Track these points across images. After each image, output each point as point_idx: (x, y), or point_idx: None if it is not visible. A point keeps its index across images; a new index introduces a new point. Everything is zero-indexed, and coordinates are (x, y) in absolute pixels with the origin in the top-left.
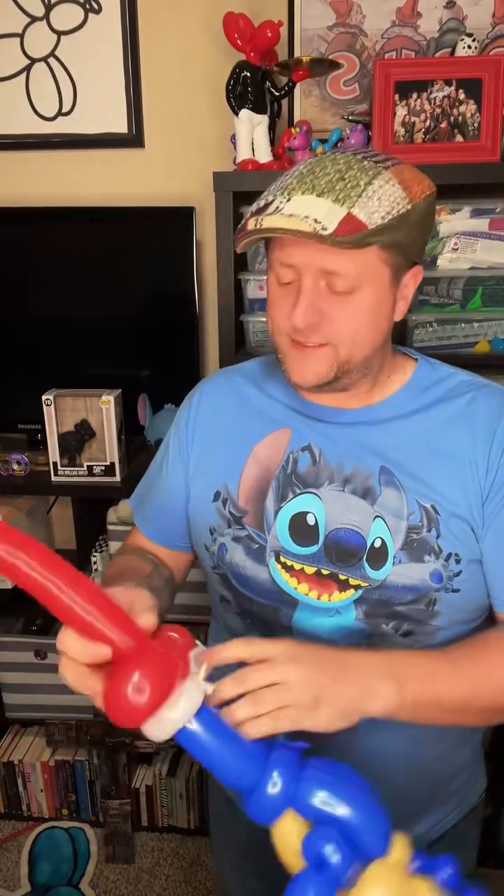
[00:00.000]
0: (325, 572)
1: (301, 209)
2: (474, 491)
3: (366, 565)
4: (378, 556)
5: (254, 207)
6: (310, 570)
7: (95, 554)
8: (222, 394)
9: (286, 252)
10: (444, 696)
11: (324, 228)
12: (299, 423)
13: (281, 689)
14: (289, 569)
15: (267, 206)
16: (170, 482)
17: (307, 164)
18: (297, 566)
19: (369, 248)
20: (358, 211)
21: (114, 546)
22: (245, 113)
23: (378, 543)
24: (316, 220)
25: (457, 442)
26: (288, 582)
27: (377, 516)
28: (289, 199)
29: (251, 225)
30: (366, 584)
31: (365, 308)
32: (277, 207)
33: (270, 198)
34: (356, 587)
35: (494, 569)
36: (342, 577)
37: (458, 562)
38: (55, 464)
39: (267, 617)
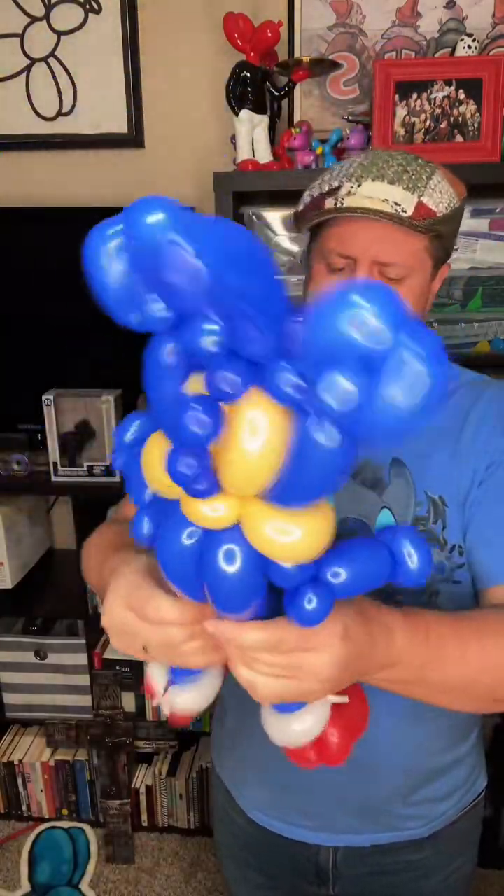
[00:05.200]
0: None
1: (377, 192)
2: (476, 481)
3: None
4: None
5: (315, 192)
6: None
7: None
8: None
9: (345, 243)
10: (442, 680)
11: (403, 211)
12: None
13: (312, 662)
14: None
15: (334, 190)
16: None
17: (363, 157)
18: None
19: (421, 238)
20: (427, 199)
21: None
22: (245, 113)
23: None
24: (396, 203)
25: (469, 435)
26: None
27: (384, 507)
28: (359, 185)
29: (329, 204)
30: None
31: (410, 296)
32: (350, 190)
33: (336, 183)
34: None
35: (487, 542)
36: None
37: (461, 554)
38: (55, 464)
39: None
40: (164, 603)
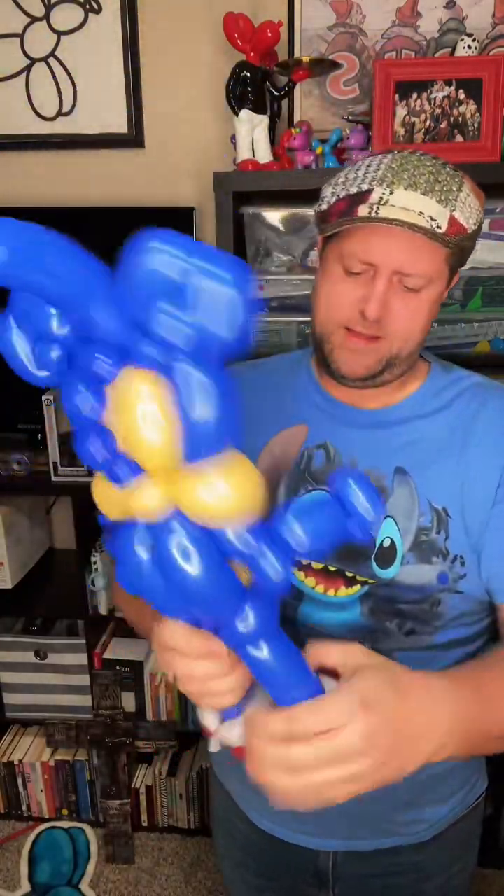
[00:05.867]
0: (332, 568)
1: (413, 204)
2: (483, 495)
3: (373, 564)
4: (386, 555)
5: (341, 192)
6: (317, 565)
7: (95, 554)
8: (248, 377)
9: (369, 250)
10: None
11: (438, 227)
12: (318, 420)
13: (342, 746)
14: (296, 562)
15: (363, 194)
16: None
17: (390, 159)
18: (305, 561)
19: (445, 251)
20: (458, 215)
21: None
22: (245, 113)
23: (387, 543)
24: (431, 218)
25: (473, 443)
26: (295, 575)
27: (388, 516)
28: (392, 192)
29: (363, 212)
30: (373, 582)
31: (426, 305)
32: (382, 198)
33: (365, 186)
34: (363, 583)
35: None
36: (349, 573)
37: (462, 564)
38: (55, 464)
39: None
40: (177, 628)
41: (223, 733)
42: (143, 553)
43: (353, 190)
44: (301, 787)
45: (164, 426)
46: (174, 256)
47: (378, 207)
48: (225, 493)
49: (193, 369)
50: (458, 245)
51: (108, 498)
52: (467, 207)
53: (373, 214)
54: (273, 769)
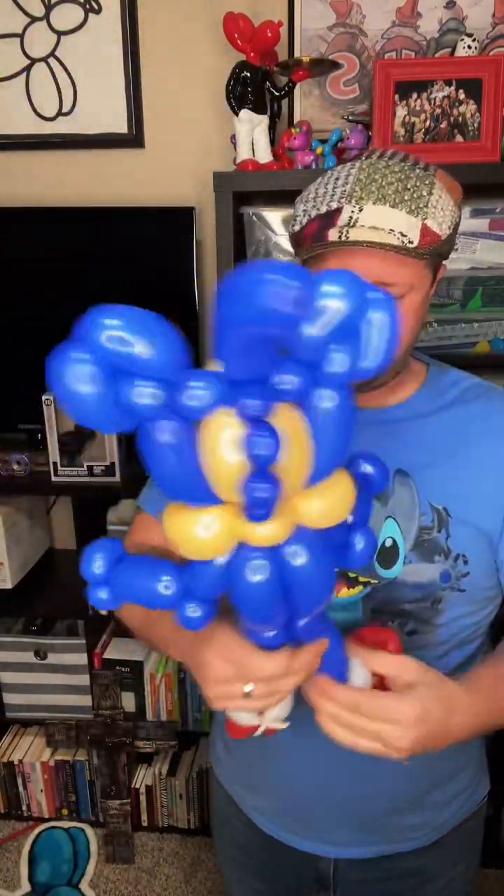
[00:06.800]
0: None
1: (382, 221)
2: (496, 502)
3: (376, 564)
4: (389, 555)
5: (311, 211)
6: None
7: None
8: None
9: (344, 263)
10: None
11: (410, 242)
12: None
13: (390, 733)
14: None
15: (332, 214)
16: None
17: (358, 169)
18: None
19: (420, 261)
20: (431, 222)
21: None
22: (245, 113)
23: (389, 543)
24: (402, 234)
25: (473, 444)
26: None
27: (389, 517)
28: (360, 210)
29: (333, 236)
30: (375, 582)
31: (412, 310)
32: (351, 218)
33: (335, 205)
34: (365, 584)
35: None
36: (351, 574)
37: (465, 563)
38: (55, 464)
39: None
40: (266, 662)
41: (268, 718)
42: (260, 577)
43: (323, 209)
44: (346, 736)
45: (311, 455)
46: (352, 292)
47: (347, 230)
48: (340, 505)
49: (337, 398)
50: (434, 253)
51: (198, 539)
52: (440, 212)
53: (343, 238)
54: (329, 722)
